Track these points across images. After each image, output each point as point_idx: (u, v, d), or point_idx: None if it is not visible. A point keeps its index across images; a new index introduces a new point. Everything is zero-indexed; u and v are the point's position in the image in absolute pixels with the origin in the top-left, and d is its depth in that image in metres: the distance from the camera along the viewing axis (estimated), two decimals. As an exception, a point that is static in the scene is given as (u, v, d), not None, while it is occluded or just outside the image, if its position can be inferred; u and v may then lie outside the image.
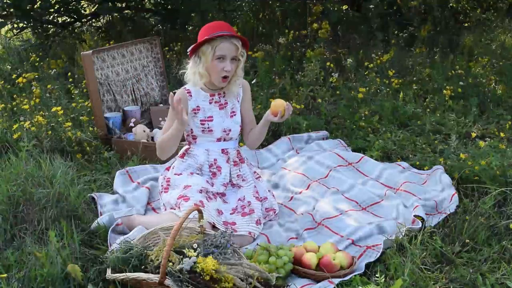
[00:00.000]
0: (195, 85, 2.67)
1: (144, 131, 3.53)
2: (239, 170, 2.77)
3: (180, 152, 2.79)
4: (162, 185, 2.73)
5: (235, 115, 2.73)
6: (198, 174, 2.70)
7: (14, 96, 4.34)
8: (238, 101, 2.77)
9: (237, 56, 2.57)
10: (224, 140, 2.72)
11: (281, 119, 2.60)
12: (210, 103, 2.69)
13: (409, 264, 2.12)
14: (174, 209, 2.52)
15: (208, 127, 2.67)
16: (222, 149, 2.73)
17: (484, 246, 2.39)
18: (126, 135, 3.60)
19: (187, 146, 2.79)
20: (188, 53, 2.65)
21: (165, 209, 2.64)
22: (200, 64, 2.59)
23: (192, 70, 2.64)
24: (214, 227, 2.43)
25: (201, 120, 2.67)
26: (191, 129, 2.72)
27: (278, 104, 2.59)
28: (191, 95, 2.66)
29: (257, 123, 2.82)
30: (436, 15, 5.81)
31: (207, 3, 4.80)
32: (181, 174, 2.69)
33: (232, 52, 2.56)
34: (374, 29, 5.21)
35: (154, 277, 1.95)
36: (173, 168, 2.75)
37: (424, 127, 3.80)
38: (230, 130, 2.71)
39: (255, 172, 2.88)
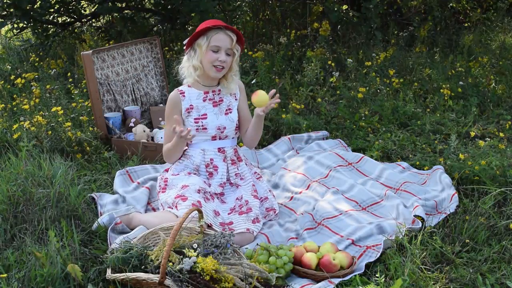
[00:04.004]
0: (189, 78, 2.69)
1: (144, 131, 3.54)
2: (237, 169, 2.77)
3: None
4: (160, 185, 2.75)
5: (230, 112, 2.73)
6: (195, 174, 2.71)
7: (14, 96, 4.34)
8: (235, 100, 2.77)
9: (232, 49, 2.60)
10: (220, 138, 2.72)
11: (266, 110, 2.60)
12: (204, 100, 2.71)
13: (409, 264, 2.12)
14: (172, 208, 2.52)
15: (202, 125, 2.68)
16: (218, 148, 2.73)
17: (484, 246, 2.39)
18: (126, 135, 3.60)
19: (184, 147, 2.80)
20: (184, 47, 2.69)
21: (163, 209, 2.64)
22: (195, 57, 2.64)
23: (187, 64, 2.68)
24: (209, 227, 2.43)
25: (195, 119, 2.68)
26: (187, 129, 2.72)
27: (260, 100, 2.54)
28: (184, 96, 2.70)
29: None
30: (436, 15, 5.82)
31: (207, 3, 4.80)
32: (178, 174, 2.70)
33: (227, 44, 2.58)
34: (374, 29, 5.21)
35: (154, 277, 1.95)
36: (171, 169, 2.77)
37: (424, 127, 3.80)
38: (224, 128, 2.71)
39: (255, 172, 2.88)
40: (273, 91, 2.60)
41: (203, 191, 2.57)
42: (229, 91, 2.73)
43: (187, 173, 2.69)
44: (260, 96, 2.53)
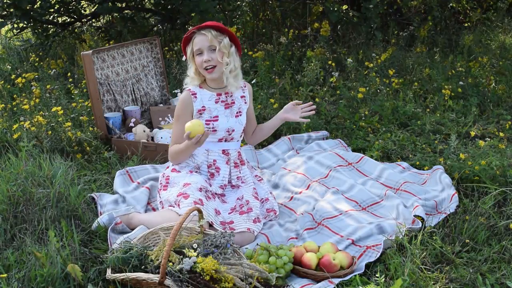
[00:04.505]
0: (189, 85, 2.72)
1: (144, 131, 3.54)
2: (239, 172, 2.77)
3: None
4: (161, 183, 2.74)
5: (240, 115, 2.74)
6: (197, 172, 2.71)
7: (14, 96, 4.34)
8: (245, 103, 2.77)
9: (213, 45, 2.58)
10: (226, 140, 2.73)
11: None
12: (216, 102, 2.70)
13: (409, 264, 2.12)
14: (173, 206, 2.52)
15: (212, 127, 2.67)
16: (223, 150, 2.73)
17: (484, 246, 2.39)
18: (126, 135, 3.60)
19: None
20: (184, 59, 2.75)
21: (163, 207, 2.64)
22: (192, 67, 2.67)
23: (188, 74, 2.73)
24: (211, 226, 2.44)
25: (206, 120, 2.67)
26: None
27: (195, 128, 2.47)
28: (196, 97, 2.67)
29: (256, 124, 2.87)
30: (436, 15, 5.82)
31: (207, 3, 4.80)
32: (179, 172, 2.70)
33: (206, 42, 2.58)
34: (374, 29, 5.21)
35: (154, 277, 1.95)
36: (171, 166, 2.77)
37: (424, 127, 3.80)
38: (233, 130, 2.71)
39: (256, 175, 2.88)
40: (310, 103, 2.77)
41: (204, 190, 2.57)
42: (235, 91, 2.72)
43: (188, 171, 2.69)
44: (195, 126, 2.47)
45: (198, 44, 2.58)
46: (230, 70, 2.64)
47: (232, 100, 2.73)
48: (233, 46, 2.64)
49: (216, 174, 2.72)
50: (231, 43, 2.63)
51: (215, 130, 2.68)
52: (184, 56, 2.70)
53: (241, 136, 2.79)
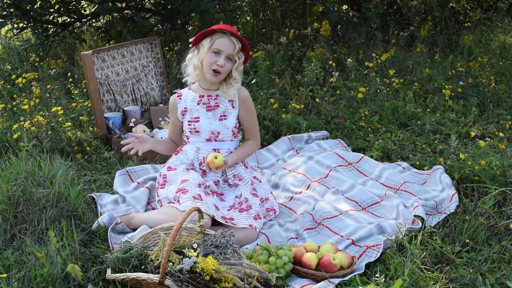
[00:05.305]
0: (189, 76, 2.74)
1: (144, 131, 3.54)
2: (234, 170, 2.78)
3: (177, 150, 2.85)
4: (158, 182, 2.75)
5: (225, 118, 2.71)
6: (192, 169, 2.72)
7: (14, 96, 4.34)
8: (233, 107, 2.74)
9: (233, 56, 2.60)
10: (215, 140, 2.73)
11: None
12: (198, 104, 2.73)
13: (409, 264, 2.12)
14: (173, 203, 2.52)
15: (194, 128, 2.70)
16: (214, 149, 2.74)
17: (484, 246, 2.39)
18: (126, 135, 3.60)
19: (183, 144, 2.83)
20: (190, 45, 2.70)
21: (161, 205, 2.65)
22: (197, 56, 2.66)
23: (189, 62, 2.71)
24: (212, 225, 2.43)
25: (188, 121, 2.72)
26: (185, 130, 2.76)
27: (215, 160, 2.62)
28: (180, 98, 2.76)
29: (259, 127, 2.90)
30: (436, 15, 5.82)
31: (207, 3, 4.79)
32: (175, 169, 2.71)
33: (229, 50, 2.59)
34: (374, 29, 5.21)
35: (154, 277, 1.96)
36: (167, 163, 2.80)
37: (424, 127, 3.80)
38: (218, 133, 2.71)
39: (255, 177, 2.88)
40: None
41: (203, 186, 2.58)
42: (226, 97, 2.71)
43: (185, 168, 2.70)
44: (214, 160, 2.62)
45: (221, 45, 2.59)
46: (234, 83, 2.68)
47: (216, 103, 2.72)
48: (242, 65, 2.68)
49: (208, 171, 2.73)
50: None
51: (198, 131, 2.70)
52: (193, 42, 2.66)
53: (234, 136, 2.77)
